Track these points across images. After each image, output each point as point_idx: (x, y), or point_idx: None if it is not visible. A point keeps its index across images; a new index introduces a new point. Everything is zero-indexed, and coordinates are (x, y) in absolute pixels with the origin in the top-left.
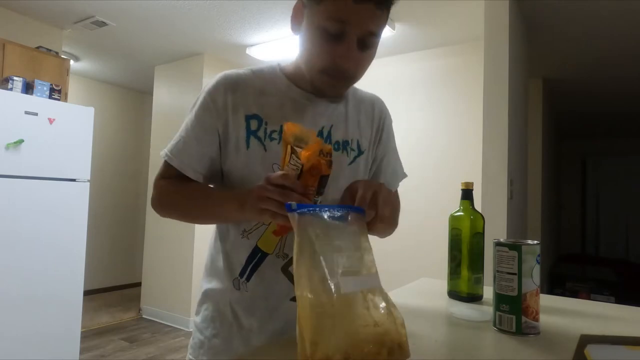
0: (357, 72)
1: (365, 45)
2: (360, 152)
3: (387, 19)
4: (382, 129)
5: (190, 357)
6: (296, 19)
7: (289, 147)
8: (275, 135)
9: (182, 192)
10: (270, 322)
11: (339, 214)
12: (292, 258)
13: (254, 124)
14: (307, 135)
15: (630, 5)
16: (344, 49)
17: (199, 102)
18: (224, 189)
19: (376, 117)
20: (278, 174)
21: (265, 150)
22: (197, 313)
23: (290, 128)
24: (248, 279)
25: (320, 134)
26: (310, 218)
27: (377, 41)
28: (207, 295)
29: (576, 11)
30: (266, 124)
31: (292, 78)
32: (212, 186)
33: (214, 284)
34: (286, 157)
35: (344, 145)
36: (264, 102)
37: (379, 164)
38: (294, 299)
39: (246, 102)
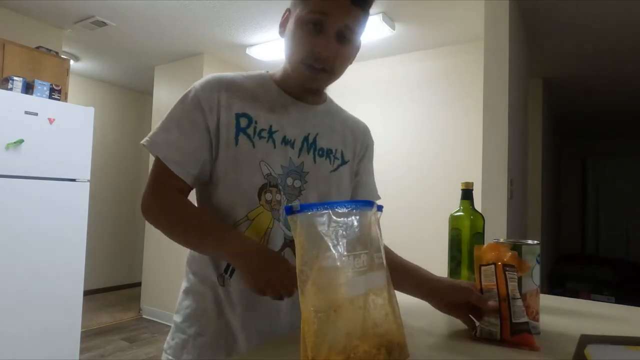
0: (335, 66)
1: (343, 38)
2: (343, 162)
3: (365, 19)
4: (365, 149)
5: (170, 357)
6: (283, 24)
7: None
8: (264, 134)
9: (185, 215)
10: (252, 319)
11: (346, 210)
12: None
13: (243, 122)
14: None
15: (631, 6)
16: (322, 39)
17: (189, 101)
18: (225, 223)
19: (360, 137)
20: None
21: (254, 147)
22: (177, 312)
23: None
24: (231, 275)
25: (305, 139)
26: (313, 220)
27: (355, 38)
28: (189, 292)
29: (576, 11)
30: (256, 122)
31: (281, 84)
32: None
33: (197, 281)
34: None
35: (327, 153)
36: (254, 103)
37: (358, 180)
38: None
39: (237, 101)
